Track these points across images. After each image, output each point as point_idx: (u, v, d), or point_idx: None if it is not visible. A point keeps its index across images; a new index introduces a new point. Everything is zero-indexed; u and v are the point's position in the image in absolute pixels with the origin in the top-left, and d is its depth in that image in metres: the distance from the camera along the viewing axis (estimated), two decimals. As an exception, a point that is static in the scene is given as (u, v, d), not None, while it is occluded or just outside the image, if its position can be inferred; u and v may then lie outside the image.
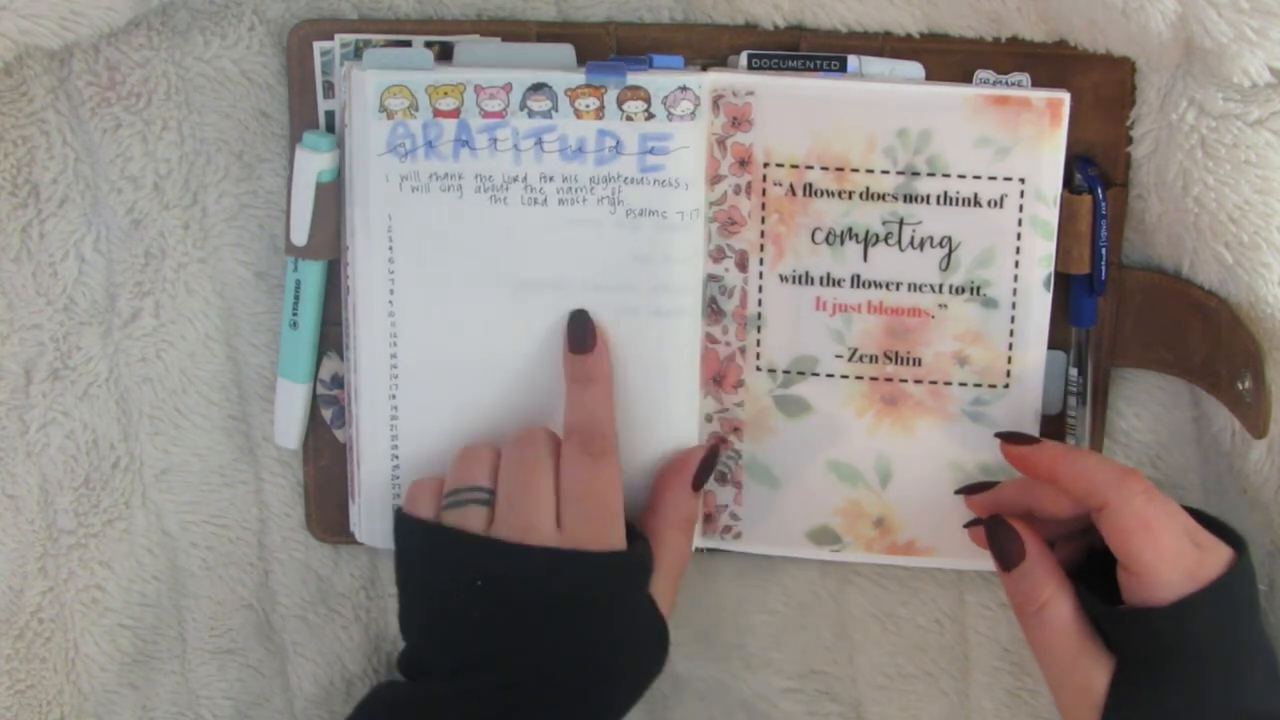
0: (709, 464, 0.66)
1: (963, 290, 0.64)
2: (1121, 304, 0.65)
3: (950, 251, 0.64)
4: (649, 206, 0.63)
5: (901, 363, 0.65)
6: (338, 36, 0.65)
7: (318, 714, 0.73)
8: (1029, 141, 0.62)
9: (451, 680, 0.60)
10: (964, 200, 0.63)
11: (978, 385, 0.65)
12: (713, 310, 0.66)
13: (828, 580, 0.71)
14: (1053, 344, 0.65)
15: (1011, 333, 0.64)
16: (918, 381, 0.65)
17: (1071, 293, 0.65)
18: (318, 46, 0.65)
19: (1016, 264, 0.63)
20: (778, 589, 0.71)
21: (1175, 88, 0.61)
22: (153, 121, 0.66)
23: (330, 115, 0.66)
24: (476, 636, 0.60)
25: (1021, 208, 0.63)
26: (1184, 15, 0.58)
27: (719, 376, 0.66)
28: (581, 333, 0.64)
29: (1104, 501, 0.59)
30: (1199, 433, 0.67)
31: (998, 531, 0.62)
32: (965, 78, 0.64)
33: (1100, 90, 0.63)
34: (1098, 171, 0.64)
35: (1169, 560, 0.58)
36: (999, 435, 0.64)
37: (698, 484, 0.66)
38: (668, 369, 0.65)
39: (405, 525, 0.63)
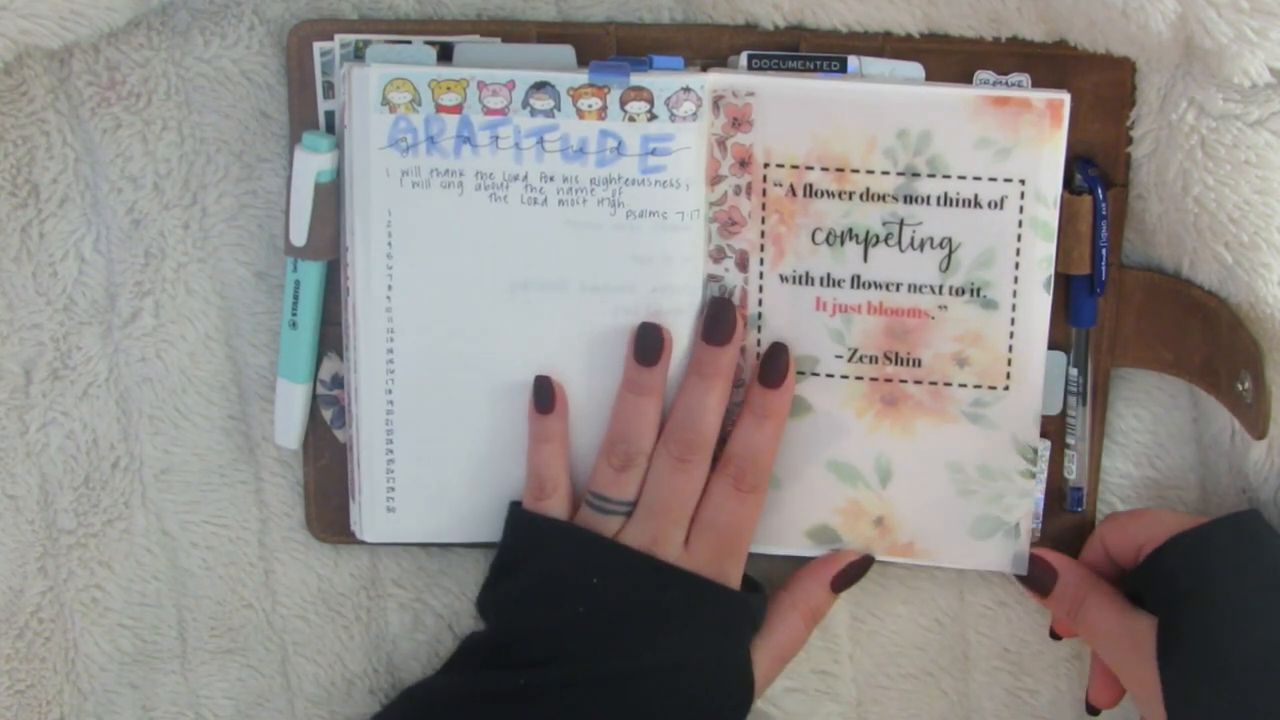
0: (855, 571, 0.68)
1: (963, 291, 0.64)
2: (1121, 304, 0.65)
3: (950, 253, 0.64)
4: (649, 208, 0.63)
5: (901, 363, 0.65)
6: (338, 37, 0.65)
7: (318, 714, 0.73)
8: (1029, 143, 0.62)
9: (533, 669, 0.62)
10: (964, 201, 0.63)
11: (977, 386, 0.65)
12: None
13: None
14: (1053, 344, 0.65)
15: (1012, 334, 0.64)
16: (917, 382, 0.65)
17: (1071, 293, 0.65)
18: (318, 47, 0.65)
19: (1017, 265, 0.63)
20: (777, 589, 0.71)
21: (1175, 88, 0.61)
22: (153, 121, 0.66)
23: (330, 115, 0.66)
24: (575, 630, 0.62)
25: (1022, 209, 0.63)
26: (1184, 15, 0.58)
27: None
28: (776, 365, 0.64)
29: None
30: (1199, 433, 0.67)
31: (1029, 570, 0.67)
32: (965, 78, 0.64)
33: (1100, 90, 0.63)
34: (1098, 172, 0.64)
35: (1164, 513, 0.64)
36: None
37: (837, 585, 0.67)
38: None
39: (529, 521, 0.65)
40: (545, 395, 0.65)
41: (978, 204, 0.63)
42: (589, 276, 0.64)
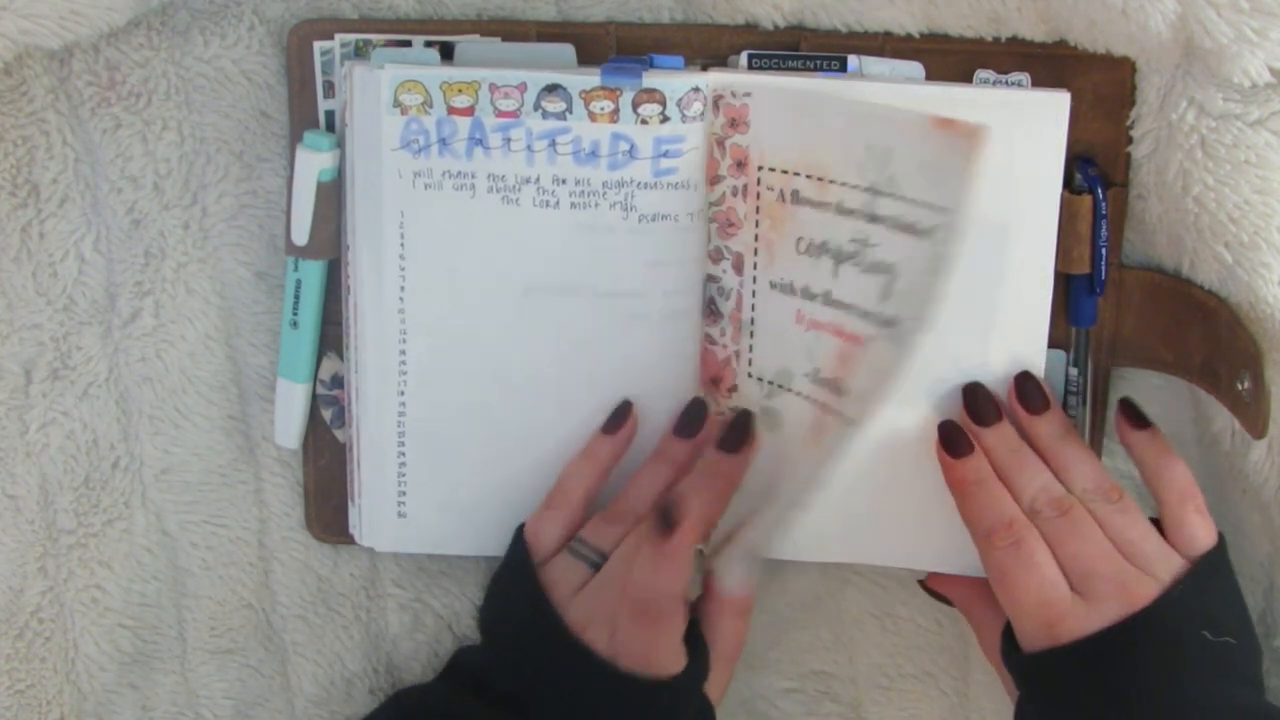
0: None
1: (890, 324, 0.59)
2: (1121, 304, 0.65)
3: (891, 280, 0.59)
4: (661, 211, 0.63)
5: (836, 393, 0.62)
6: (338, 36, 0.65)
7: (318, 714, 0.73)
8: (958, 171, 0.56)
9: (495, 707, 0.61)
10: (906, 227, 0.58)
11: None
12: (711, 312, 0.66)
13: (827, 580, 0.71)
14: (1053, 344, 0.65)
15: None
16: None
17: (1071, 293, 0.65)
18: (318, 46, 0.65)
19: (933, 299, 0.57)
20: (778, 589, 0.72)
21: (1175, 88, 0.61)
22: (153, 121, 0.66)
23: (330, 115, 0.66)
24: (529, 686, 0.61)
25: (947, 241, 0.56)
26: (1184, 15, 0.58)
27: (716, 379, 0.66)
28: (739, 431, 0.63)
29: (977, 546, 0.62)
30: (1199, 433, 0.67)
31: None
32: (965, 78, 0.64)
33: (1100, 90, 0.63)
34: (1098, 171, 0.64)
35: (1023, 612, 0.60)
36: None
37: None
38: (670, 371, 0.65)
39: (518, 548, 0.64)
40: (617, 417, 0.65)
41: (915, 231, 0.58)
42: (602, 282, 0.64)
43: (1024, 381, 0.64)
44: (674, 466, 0.64)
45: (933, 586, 0.68)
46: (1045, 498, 0.61)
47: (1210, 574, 0.59)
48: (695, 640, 0.62)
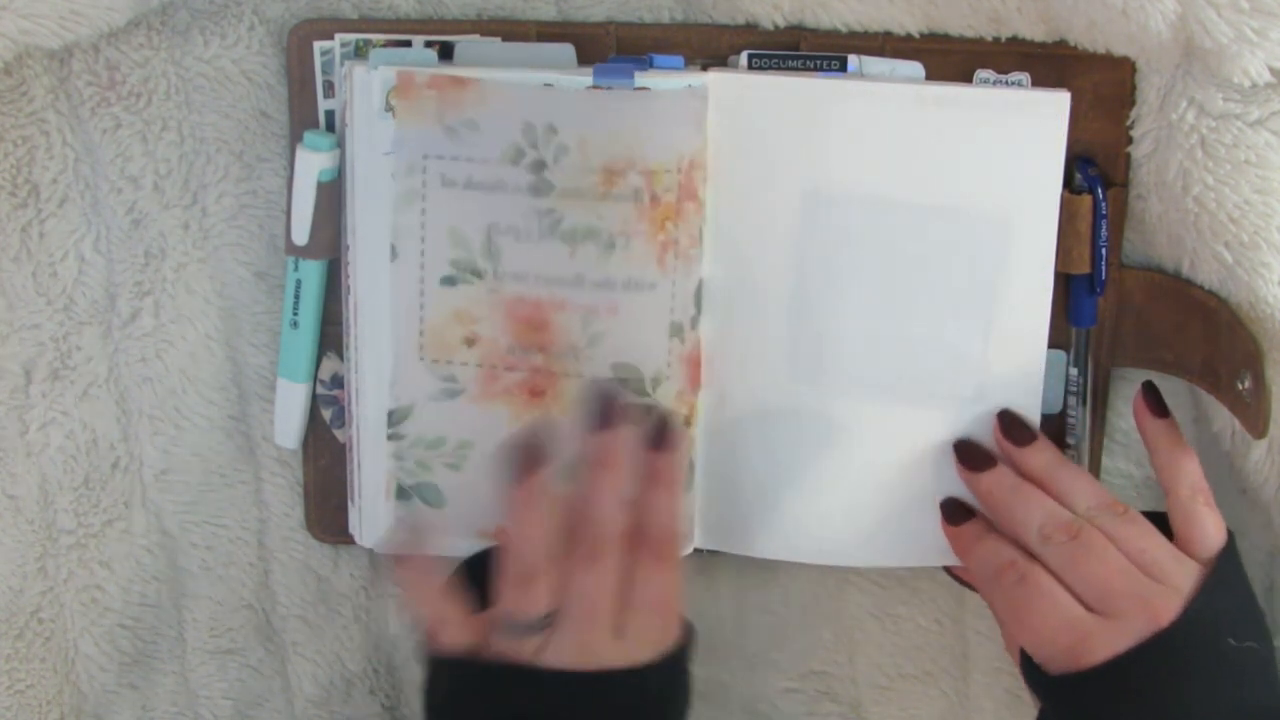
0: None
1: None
2: (1121, 304, 0.65)
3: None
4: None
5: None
6: (338, 36, 0.65)
7: (318, 714, 0.73)
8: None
9: None
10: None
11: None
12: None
13: (827, 580, 0.71)
14: (1053, 344, 0.65)
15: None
16: None
17: (1071, 292, 0.65)
18: (318, 46, 0.65)
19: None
20: (778, 589, 0.72)
21: (1175, 88, 0.61)
22: (153, 121, 0.66)
23: (330, 115, 0.66)
24: None
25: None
26: (1184, 15, 0.58)
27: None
28: (662, 429, 0.60)
29: (986, 598, 0.63)
30: (1199, 433, 0.67)
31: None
32: (965, 78, 0.64)
33: (1100, 90, 0.63)
34: (1098, 171, 0.64)
35: (1042, 640, 0.59)
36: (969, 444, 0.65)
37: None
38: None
39: (439, 667, 0.59)
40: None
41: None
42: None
43: (1006, 418, 0.64)
44: (540, 502, 0.59)
45: (958, 574, 0.67)
46: (1053, 524, 0.60)
47: (1226, 578, 0.59)
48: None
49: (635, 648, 0.58)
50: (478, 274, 0.64)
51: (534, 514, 0.58)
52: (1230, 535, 0.61)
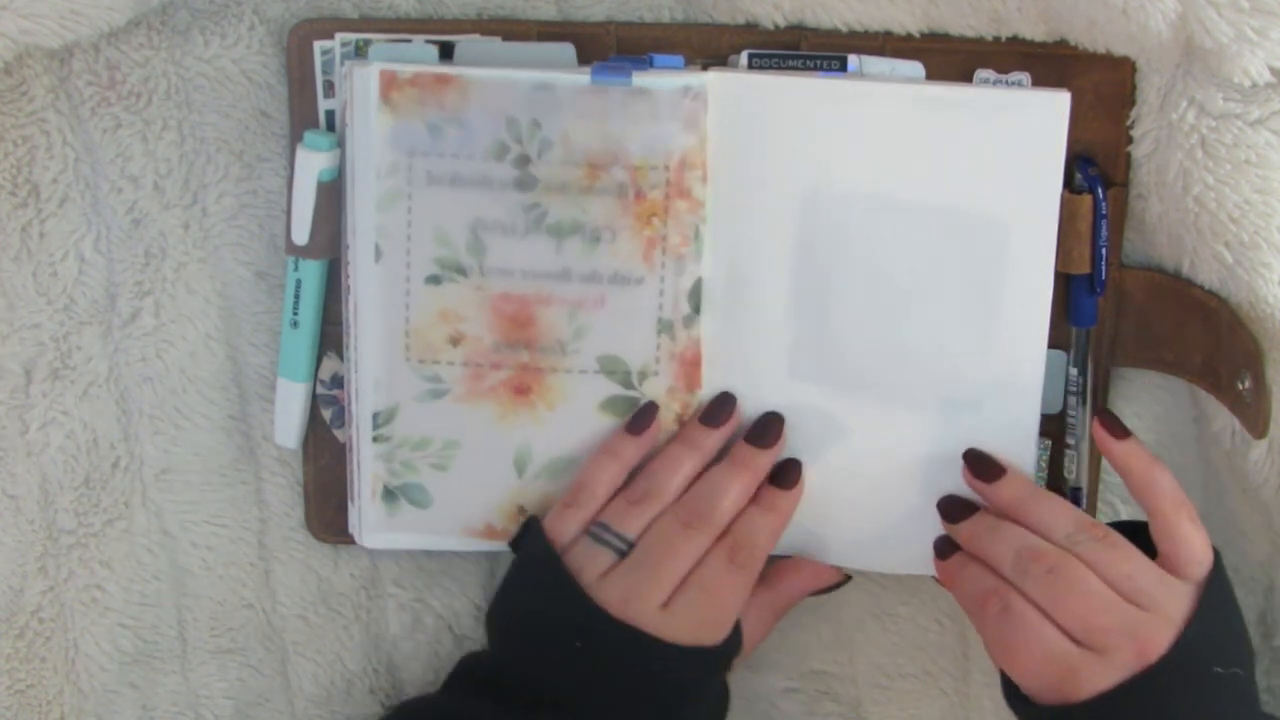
0: (833, 589, 0.68)
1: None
2: (1121, 304, 0.65)
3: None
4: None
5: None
6: (338, 36, 0.65)
7: (318, 714, 0.73)
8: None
9: (516, 710, 0.61)
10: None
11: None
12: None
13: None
14: (1053, 344, 0.65)
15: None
16: None
17: (1071, 292, 0.65)
18: (318, 46, 0.65)
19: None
20: (778, 589, 0.72)
21: (1175, 88, 0.61)
22: (153, 121, 0.66)
23: (330, 115, 0.66)
24: (558, 678, 0.61)
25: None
26: (1184, 15, 0.58)
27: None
28: (788, 472, 0.65)
29: (975, 626, 0.62)
30: (1199, 433, 0.67)
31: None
32: (965, 77, 0.64)
33: (1100, 90, 0.63)
34: (1098, 171, 0.64)
35: (1029, 674, 0.59)
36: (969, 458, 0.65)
37: (813, 594, 0.68)
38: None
39: (533, 540, 0.64)
40: (642, 418, 0.65)
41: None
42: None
43: (971, 456, 0.64)
44: (700, 453, 0.64)
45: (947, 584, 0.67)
46: (1029, 554, 0.59)
47: (1216, 602, 0.59)
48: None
49: (673, 625, 0.61)
50: (463, 271, 0.64)
51: (690, 456, 0.64)
52: (1216, 553, 0.60)
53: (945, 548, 0.64)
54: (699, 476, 0.64)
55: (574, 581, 0.62)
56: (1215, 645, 0.58)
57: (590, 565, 0.62)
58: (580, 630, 0.61)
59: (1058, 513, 0.61)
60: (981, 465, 0.64)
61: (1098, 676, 0.57)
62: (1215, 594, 0.59)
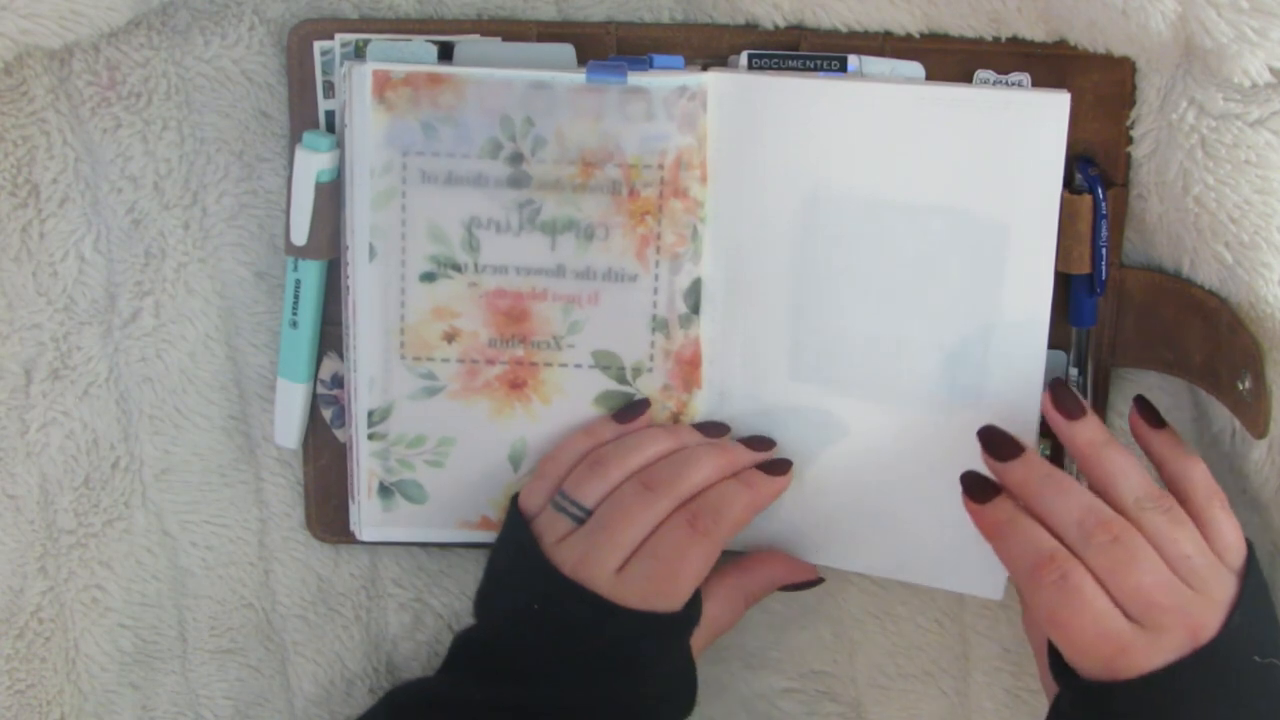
0: (805, 587, 0.68)
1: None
2: (1121, 304, 0.65)
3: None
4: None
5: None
6: (338, 36, 0.65)
7: (318, 714, 0.73)
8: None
9: (490, 685, 0.61)
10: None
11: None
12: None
13: (828, 580, 0.71)
14: (1053, 344, 0.65)
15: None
16: None
17: (1071, 293, 0.65)
18: (318, 46, 0.65)
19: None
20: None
21: (1175, 88, 0.61)
22: (153, 121, 0.66)
23: (330, 115, 0.66)
24: (532, 650, 0.61)
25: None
26: (1184, 15, 0.58)
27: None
28: (780, 465, 0.65)
29: (1020, 588, 0.61)
30: (1199, 433, 0.67)
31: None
32: (965, 78, 0.64)
33: (1100, 90, 0.63)
34: (1098, 171, 0.64)
35: (1080, 649, 0.58)
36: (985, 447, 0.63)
37: (785, 588, 0.68)
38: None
39: (514, 516, 0.65)
40: (634, 410, 0.65)
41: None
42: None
43: (1058, 388, 0.62)
44: (674, 437, 0.65)
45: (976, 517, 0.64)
46: (1094, 520, 0.58)
47: (1255, 590, 0.58)
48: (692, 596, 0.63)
49: (626, 589, 0.61)
50: (457, 268, 0.64)
51: (664, 437, 0.64)
52: (1250, 544, 0.60)
53: (981, 490, 0.61)
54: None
55: (535, 545, 0.62)
56: (1257, 634, 0.57)
57: (549, 531, 0.63)
58: (538, 594, 0.61)
59: (1134, 473, 0.59)
60: (1066, 399, 0.61)
61: (1150, 655, 0.56)
62: (1254, 582, 0.58)
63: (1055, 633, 0.58)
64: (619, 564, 0.61)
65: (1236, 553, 0.59)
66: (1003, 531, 0.59)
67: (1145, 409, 0.62)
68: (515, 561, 0.63)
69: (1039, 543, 0.58)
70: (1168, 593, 0.57)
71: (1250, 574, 0.59)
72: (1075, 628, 0.57)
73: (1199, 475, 0.60)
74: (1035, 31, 0.63)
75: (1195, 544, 0.58)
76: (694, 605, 0.63)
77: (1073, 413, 0.61)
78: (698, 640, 0.65)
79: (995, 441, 0.61)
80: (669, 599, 0.62)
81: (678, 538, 0.61)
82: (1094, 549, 0.57)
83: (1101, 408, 0.67)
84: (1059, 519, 0.58)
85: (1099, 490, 0.59)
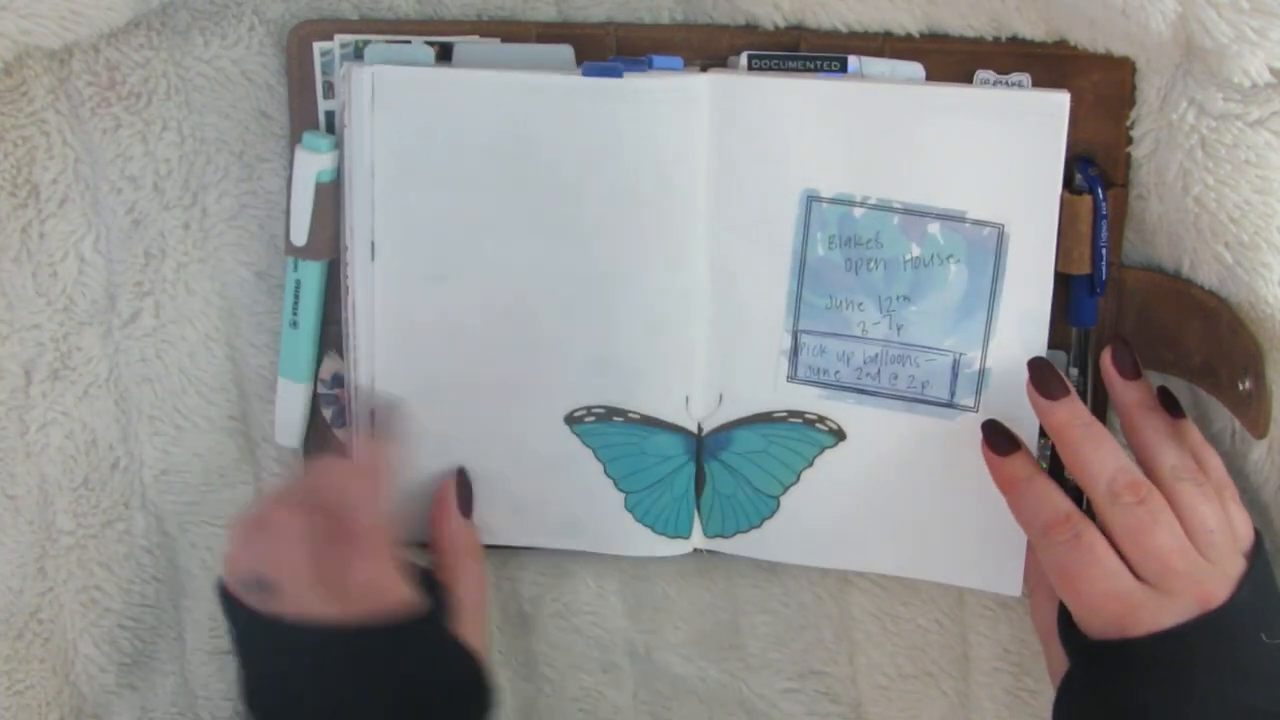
0: (466, 487, 0.67)
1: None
2: (1121, 304, 0.65)
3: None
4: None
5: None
6: (338, 37, 0.65)
7: (317, 715, 0.73)
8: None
9: None
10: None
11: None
12: None
13: (828, 580, 0.71)
14: (1053, 344, 0.65)
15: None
16: None
17: (1071, 293, 0.65)
18: (318, 46, 0.65)
19: None
20: (778, 589, 0.71)
21: (1175, 88, 0.61)
22: (153, 121, 0.66)
23: (330, 115, 0.66)
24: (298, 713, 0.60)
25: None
26: (1184, 15, 0.58)
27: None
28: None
29: (1034, 544, 0.61)
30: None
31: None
32: (965, 78, 0.64)
33: (1100, 90, 0.63)
34: (1098, 171, 0.64)
35: (1090, 607, 0.58)
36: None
37: (465, 509, 0.66)
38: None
39: (224, 599, 0.62)
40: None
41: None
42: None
43: (1118, 348, 0.63)
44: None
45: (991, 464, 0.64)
46: (1124, 480, 0.58)
47: (1263, 574, 0.59)
48: (434, 589, 0.63)
49: (356, 600, 0.59)
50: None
51: (291, 500, 0.61)
52: (1258, 533, 0.61)
53: (1002, 441, 0.62)
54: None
55: (255, 612, 0.60)
56: (1264, 612, 0.58)
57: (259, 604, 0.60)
58: (275, 651, 0.60)
59: (1173, 442, 0.60)
60: (1122, 358, 0.62)
61: (1159, 615, 0.57)
62: (1261, 567, 0.59)
63: (1066, 589, 0.59)
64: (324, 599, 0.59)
65: (1246, 539, 0.60)
66: (1020, 488, 0.61)
67: (1168, 400, 0.63)
68: (258, 634, 0.60)
69: (1055, 502, 0.59)
70: (1183, 559, 0.57)
71: (1258, 558, 0.59)
72: (1086, 581, 0.58)
73: (1216, 466, 0.61)
74: (1035, 31, 0.63)
75: (1219, 520, 0.59)
76: (434, 600, 0.62)
77: (1129, 372, 0.62)
78: (467, 620, 0.63)
79: (1044, 378, 0.62)
80: (390, 602, 0.60)
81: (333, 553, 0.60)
82: (1120, 508, 0.58)
83: (1102, 407, 0.67)
84: (1090, 470, 0.59)
85: (1137, 451, 0.61)
